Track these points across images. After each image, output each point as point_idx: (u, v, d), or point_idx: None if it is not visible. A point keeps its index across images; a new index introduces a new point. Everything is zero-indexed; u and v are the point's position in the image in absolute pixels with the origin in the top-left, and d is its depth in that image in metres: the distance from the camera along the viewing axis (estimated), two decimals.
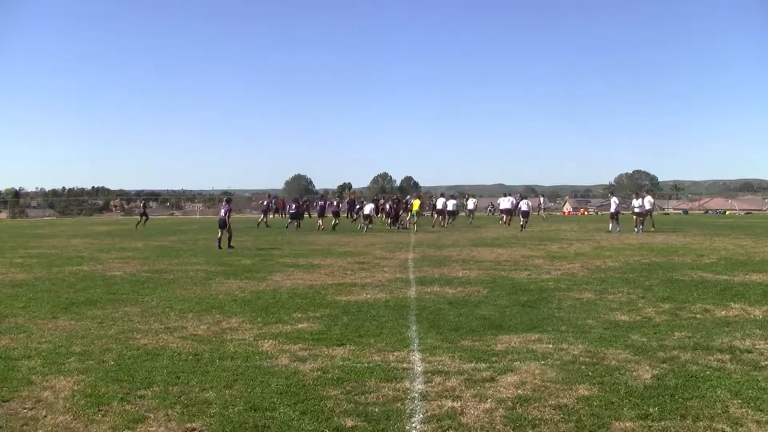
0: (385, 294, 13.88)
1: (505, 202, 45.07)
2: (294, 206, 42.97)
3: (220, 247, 25.70)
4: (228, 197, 36.68)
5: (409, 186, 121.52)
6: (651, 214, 36.51)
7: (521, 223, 39.14)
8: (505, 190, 68.99)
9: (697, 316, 11.23)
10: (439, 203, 44.13)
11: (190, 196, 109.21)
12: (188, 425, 6.19)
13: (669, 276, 16.25)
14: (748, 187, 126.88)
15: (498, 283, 15.33)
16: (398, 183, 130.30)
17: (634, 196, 37.32)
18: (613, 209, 35.28)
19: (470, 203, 51.69)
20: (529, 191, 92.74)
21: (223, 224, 26.42)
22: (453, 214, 44.36)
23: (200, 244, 29.24)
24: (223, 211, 26.98)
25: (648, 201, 36.54)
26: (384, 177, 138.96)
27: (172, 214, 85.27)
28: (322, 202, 44.57)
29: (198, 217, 75.48)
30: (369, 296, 13.61)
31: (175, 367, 8.22)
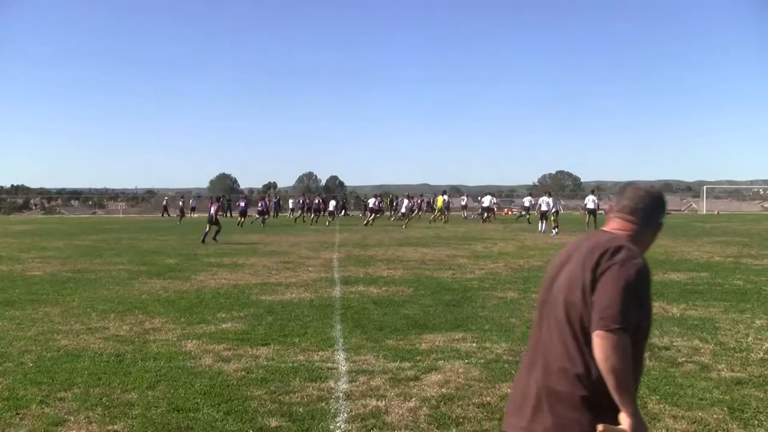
0: (309, 293, 13.85)
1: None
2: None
3: (203, 242, 27.72)
4: (217, 196, 42.23)
5: (335, 185, 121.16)
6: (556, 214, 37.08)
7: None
8: (431, 190, 69.35)
9: None
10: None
11: (113, 195, 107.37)
12: (110, 427, 6.10)
13: None
14: (667, 188, 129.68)
15: (422, 282, 15.41)
16: (324, 182, 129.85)
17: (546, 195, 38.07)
18: (544, 208, 35.57)
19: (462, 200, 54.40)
20: (454, 191, 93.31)
21: (210, 220, 28.86)
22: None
23: (123, 243, 28.79)
24: (213, 208, 29.76)
25: (592, 200, 38.02)
26: (309, 176, 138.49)
27: (94, 213, 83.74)
28: (244, 203, 45.69)
29: (121, 216, 74.07)
30: (294, 296, 13.57)
31: (96, 368, 8.09)
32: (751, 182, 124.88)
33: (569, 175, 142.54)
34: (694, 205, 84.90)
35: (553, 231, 33.21)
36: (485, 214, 47.43)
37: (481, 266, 18.67)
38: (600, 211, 36.17)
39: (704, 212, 73.56)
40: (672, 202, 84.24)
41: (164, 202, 67.60)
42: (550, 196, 38.24)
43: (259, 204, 45.73)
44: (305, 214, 50.73)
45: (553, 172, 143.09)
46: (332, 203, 47.90)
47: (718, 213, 70.42)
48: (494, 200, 51.53)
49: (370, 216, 43.94)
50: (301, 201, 55.85)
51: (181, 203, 56.69)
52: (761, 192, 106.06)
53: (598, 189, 50.99)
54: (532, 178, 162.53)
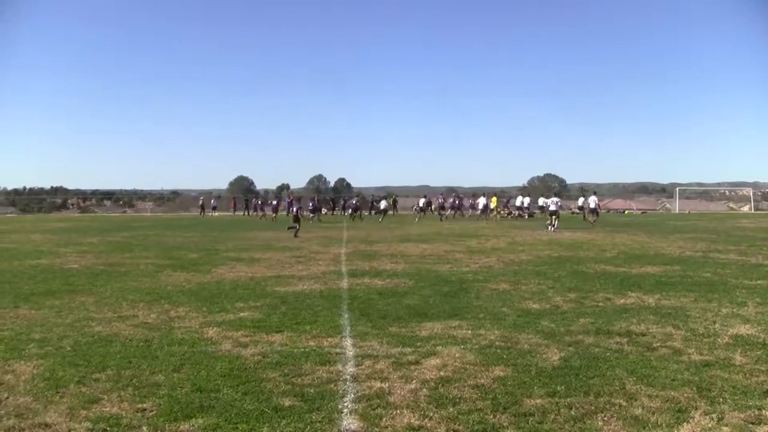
0: (319, 285, 13.82)
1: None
2: (311, 204, 47.43)
3: (296, 236, 28.78)
4: (298, 197, 44.41)
5: (342, 187, 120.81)
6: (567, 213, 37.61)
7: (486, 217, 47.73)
8: (430, 191, 69.69)
9: (599, 304, 11.42)
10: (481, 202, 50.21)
11: (141, 195, 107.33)
12: (139, 405, 6.09)
13: (575, 268, 16.51)
14: (643, 189, 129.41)
15: (422, 275, 15.39)
16: (332, 184, 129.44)
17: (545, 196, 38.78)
18: (553, 208, 35.64)
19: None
20: (450, 192, 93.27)
21: (295, 218, 30.50)
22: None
23: (150, 239, 28.81)
24: (294, 208, 32.04)
25: (593, 200, 39.83)
26: (319, 178, 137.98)
27: (124, 212, 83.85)
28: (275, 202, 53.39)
29: (149, 214, 74.27)
30: (305, 287, 13.54)
31: (127, 352, 8.09)
32: (718, 184, 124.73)
33: (556, 177, 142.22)
34: (667, 205, 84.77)
35: (551, 227, 33.23)
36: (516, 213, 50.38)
37: (475, 260, 18.64)
38: (602, 210, 37.72)
39: (677, 211, 73.58)
40: (648, 202, 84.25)
41: (200, 202, 68.89)
42: (557, 196, 38.96)
43: (310, 204, 48.36)
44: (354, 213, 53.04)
45: (541, 174, 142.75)
46: (383, 203, 51.58)
47: (689, 212, 70.42)
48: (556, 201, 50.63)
49: (381, 215, 46.40)
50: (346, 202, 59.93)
51: (213, 202, 59.86)
52: (727, 193, 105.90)
53: (582, 190, 51.33)
54: (521, 180, 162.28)
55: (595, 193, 42.25)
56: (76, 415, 5.91)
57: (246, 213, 64.33)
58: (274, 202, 54.12)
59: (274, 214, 50.71)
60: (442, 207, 52.09)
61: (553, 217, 34.27)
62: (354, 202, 55.74)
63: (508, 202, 56.85)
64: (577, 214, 48.68)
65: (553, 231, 32.19)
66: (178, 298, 12.29)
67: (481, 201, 50.44)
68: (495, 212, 50.14)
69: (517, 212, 49.65)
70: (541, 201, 51.68)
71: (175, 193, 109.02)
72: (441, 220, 46.26)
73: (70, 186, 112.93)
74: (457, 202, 54.42)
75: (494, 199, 51.27)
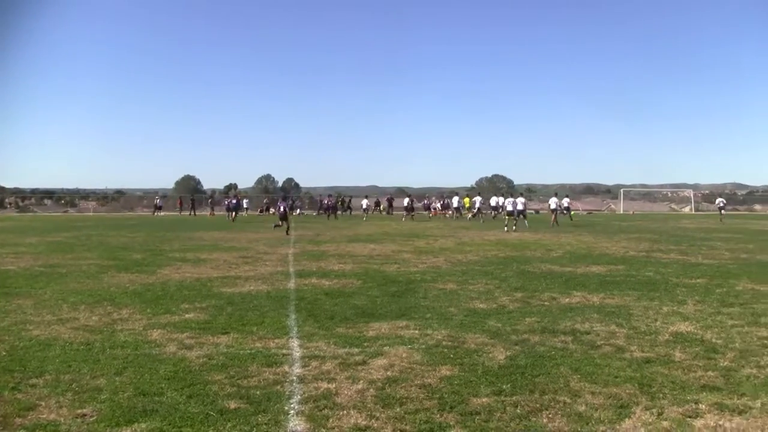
0: (266, 286, 13.75)
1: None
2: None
3: (288, 234, 29.85)
4: (284, 196, 48.78)
5: (291, 186, 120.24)
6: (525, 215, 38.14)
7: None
8: (378, 192, 70.37)
9: (545, 303, 11.56)
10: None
11: (84, 195, 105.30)
12: (79, 411, 5.96)
13: (522, 268, 16.67)
14: (589, 190, 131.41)
15: (370, 275, 15.40)
16: (281, 184, 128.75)
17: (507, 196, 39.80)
18: (520, 207, 36.32)
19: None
20: (400, 192, 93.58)
21: (283, 217, 30.92)
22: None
23: (93, 239, 28.30)
24: (282, 207, 32.01)
25: (554, 201, 41.18)
26: (267, 178, 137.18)
27: (66, 212, 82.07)
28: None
29: (92, 214, 72.97)
30: (252, 288, 13.46)
31: (66, 356, 7.93)
32: (661, 186, 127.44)
33: (504, 178, 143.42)
34: (612, 206, 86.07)
35: (513, 228, 33.66)
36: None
37: (423, 261, 18.72)
38: (574, 211, 39.08)
39: (621, 212, 74.80)
40: (593, 203, 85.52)
41: (155, 201, 68.37)
42: (521, 196, 40.01)
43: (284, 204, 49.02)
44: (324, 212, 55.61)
45: (489, 175, 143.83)
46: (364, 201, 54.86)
47: (633, 213, 71.67)
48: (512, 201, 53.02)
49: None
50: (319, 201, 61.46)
51: (159, 202, 58.85)
52: (669, 194, 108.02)
53: (528, 191, 52.36)
54: (469, 181, 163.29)
55: (556, 194, 43.40)
56: (10, 423, 5.74)
57: (192, 213, 64.43)
58: (234, 201, 53.76)
59: (233, 214, 50.67)
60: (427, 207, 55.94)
61: (510, 217, 34.85)
62: (327, 201, 57.19)
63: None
64: (497, 214, 49.46)
65: (514, 231, 32.63)
66: (122, 300, 12.09)
67: (455, 200, 53.24)
68: (468, 212, 51.18)
69: (493, 212, 50.35)
70: (493, 201, 52.49)
71: (120, 193, 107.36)
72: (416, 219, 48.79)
73: (7, 184, 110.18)
74: (427, 202, 58.33)
75: (467, 199, 52.91)
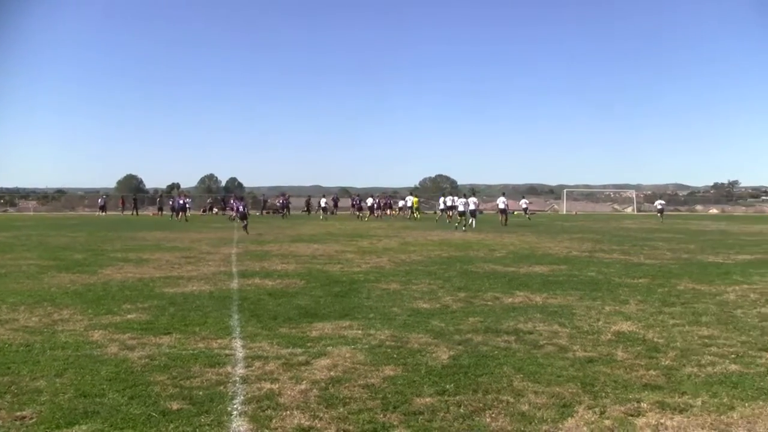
0: (209, 286, 13.67)
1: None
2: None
3: (247, 232, 30.67)
4: (241, 196, 51.49)
5: (234, 186, 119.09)
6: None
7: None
8: (323, 191, 71.08)
9: (488, 303, 11.69)
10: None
11: (24, 194, 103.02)
12: (18, 413, 5.87)
13: (465, 268, 16.83)
14: (532, 190, 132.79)
15: (313, 275, 15.40)
16: (224, 183, 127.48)
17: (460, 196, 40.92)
18: (472, 207, 37.21)
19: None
20: (344, 192, 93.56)
21: (243, 216, 32.27)
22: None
23: (33, 239, 27.80)
24: (241, 206, 33.47)
25: (501, 201, 41.47)
26: (210, 177, 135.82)
27: (5, 211, 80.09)
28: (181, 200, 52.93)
29: (32, 213, 71.39)
30: (194, 288, 13.37)
31: (5, 358, 7.79)
32: (604, 186, 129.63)
33: (447, 178, 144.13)
34: (555, 206, 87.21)
35: (463, 228, 34.38)
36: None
37: (366, 260, 18.78)
38: (512, 211, 39.92)
39: (564, 212, 75.92)
40: (536, 203, 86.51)
41: (100, 201, 67.54)
42: (474, 195, 40.97)
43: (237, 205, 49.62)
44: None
45: (433, 175, 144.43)
46: (369, 200, 54.55)
47: (576, 213, 72.77)
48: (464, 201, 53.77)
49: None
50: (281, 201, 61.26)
51: (101, 201, 58.47)
52: (612, 195, 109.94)
53: (472, 192, 53.05)
54: (413, 181, 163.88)
55: (503, 194, 44.17)
56: None
57: (135, 212, 64.22)
58: (186, 201, 53.28)
59: (183, 214, 50.21)
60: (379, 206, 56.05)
61: (463, 217, 35.76)
62: (282, 201, 58.98)
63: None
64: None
65: (463, 230, 33.32)
66: (63, 300, 11.92)
67: (408, 200, 54.36)
68: (416, 212, 52.24)
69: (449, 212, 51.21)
70: (449, 201, 53.26)
71: (61, 192, 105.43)
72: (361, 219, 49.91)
73: None
74: (383, 202, 58.89)
75: (415, 200, 53.78)
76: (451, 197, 51.02)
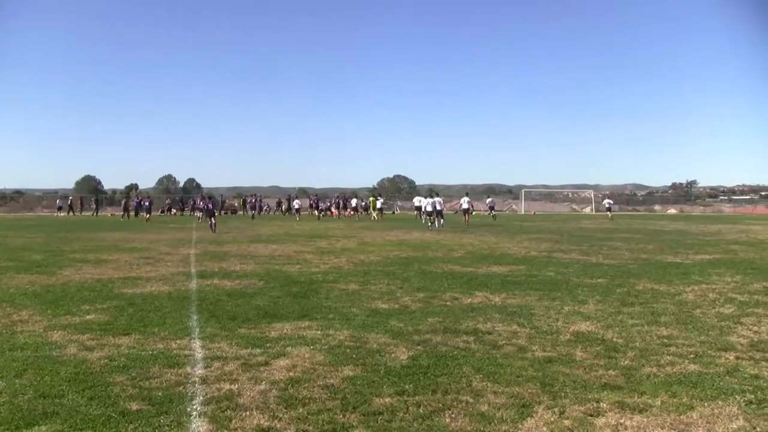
0: (168, 287, 13.62)
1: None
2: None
3: (214, 231, 32.54)
4: (209, 195, 54.21)
5: (192, 187, 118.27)
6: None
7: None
8: (280, 192, 71.88)
9: (447, 303, 11.78)
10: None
11: None
12: None
13: (424, 269, 16.93)
14: (491, 190, 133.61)
15: (272, 276, 15.40)
16: (182, 184, 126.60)
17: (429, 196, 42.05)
18: (439, 208, 37.65)
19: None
20: (302, 193, 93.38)
21: (211, 214, 34.86)
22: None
23: None
24: (210, 205, 36.57)
25: (465, 201, 43.17)
26: (169, 178, 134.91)
27: None
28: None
29: None
30: (153, 289, 13.31)
31: None
32: (562, 186, 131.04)
33: (405, 178, 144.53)
34: (514, 206, 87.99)
35: (429, 227, 35.09)
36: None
37: (325, 261, 18.81)
38: (475, 211, 40.72)
39: (523, 212, 76.59)
40: (495, 203, 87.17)
41: (69, 202, 68.73)
42: (438, 196, 42.34)
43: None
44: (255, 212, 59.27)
45: (391, 175, 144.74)
46: (354, 201, 58.83)
47: (534, 213, 73.49)
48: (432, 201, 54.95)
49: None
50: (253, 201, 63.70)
51: (59, 202, 58.82)
52: (570, 195, 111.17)
53: (431, 192, 54.02)
54: (371, 181, 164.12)
55: (467, 194, 45.03)
56: None
57: (95, 213, 64.88)
58: (146, 201, 53.52)
59: (147, 215, 50.76)
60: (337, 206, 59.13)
61: (431, 216, 36.54)
62: (252, 201, 61.72)
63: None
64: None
65: (435, 230, 34.14)
66: (21, 301, 11.84)
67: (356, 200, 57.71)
68: (374, 212, 53.37)
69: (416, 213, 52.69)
70: (416, 201, 54.32)
71: (19, 193, 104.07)
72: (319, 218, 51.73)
73: None
74: (341, 202, 61.55)
75: (372, 200, 55.99)
76: (418, 198, 52.18)
